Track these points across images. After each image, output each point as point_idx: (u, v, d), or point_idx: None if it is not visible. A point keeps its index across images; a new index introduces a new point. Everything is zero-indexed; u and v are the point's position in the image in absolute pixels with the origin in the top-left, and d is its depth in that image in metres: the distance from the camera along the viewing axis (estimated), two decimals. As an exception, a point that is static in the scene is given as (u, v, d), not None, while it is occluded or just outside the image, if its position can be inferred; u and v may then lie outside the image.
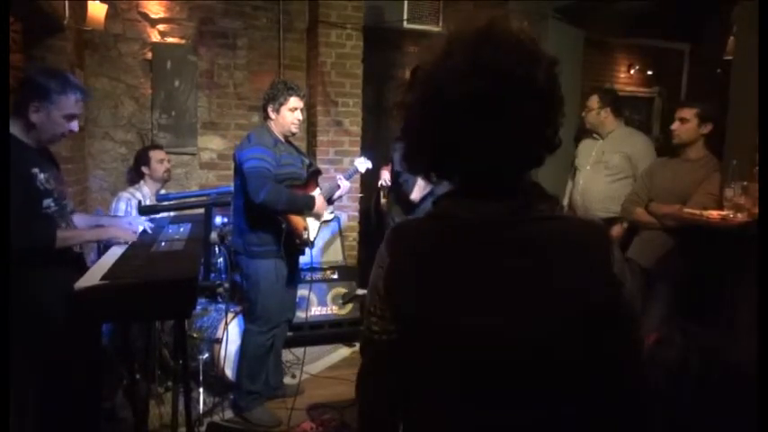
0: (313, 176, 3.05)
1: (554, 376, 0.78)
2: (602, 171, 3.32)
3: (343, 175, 3.24)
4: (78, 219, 2.40)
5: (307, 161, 3.11)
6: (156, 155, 3.59)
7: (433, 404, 0.86)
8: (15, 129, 2.02)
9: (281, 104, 2.85)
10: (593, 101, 3.41)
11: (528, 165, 0.85)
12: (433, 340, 0.83)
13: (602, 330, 0.78)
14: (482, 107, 0.78)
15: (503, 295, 0.79)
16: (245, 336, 3.00)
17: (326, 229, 4.18)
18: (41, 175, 2.05)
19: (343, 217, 4.41)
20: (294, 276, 3.13)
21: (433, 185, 2.99)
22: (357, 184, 4.23)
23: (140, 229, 2.33)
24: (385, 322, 0.88)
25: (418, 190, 3.03)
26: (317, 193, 3.00)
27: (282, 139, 2.92)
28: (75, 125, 2.11)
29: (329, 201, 3.11)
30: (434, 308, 0.82)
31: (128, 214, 3.30)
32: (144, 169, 3.58)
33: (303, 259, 3.16)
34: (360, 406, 0.97)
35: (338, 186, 3.16)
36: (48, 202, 2.08)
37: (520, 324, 0.78)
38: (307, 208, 2.89)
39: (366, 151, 4.20)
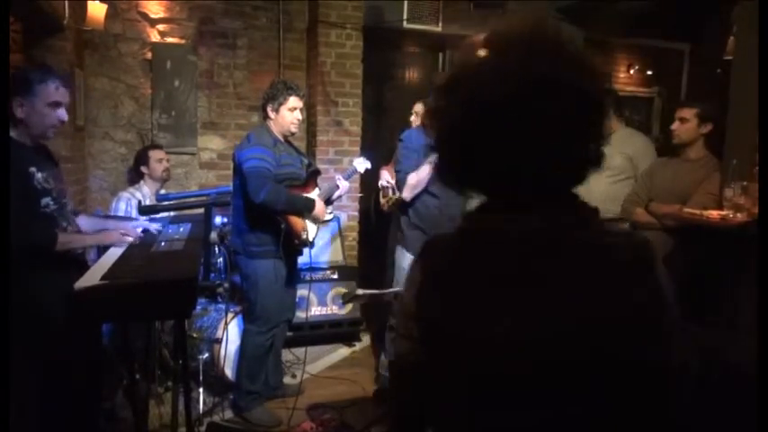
0: (312, 177, 3.04)
1: (566, 387, 0.75)
2: (604, 172, 3.30)
3: (342, 176, 3.24)
4: (83, 220, 2.40)
5: (306, 161, 3.10)
6: (154, 154, 3.60)
7: (449, 416, 0.85)
8: (10, 129, 2.02)
9: (281, 104, 2.85)
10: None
11: (567, 177, 0.81)
12: (453, 352, 0.81)
13: (639, 340, 0.74)
14: (518, 115, 0.75)
15: (529, 306, 0.76)
16: (244, 336, 3.00)
17: (326, 229, 4.17)
18: (39, 174, 2.05)
19: (343, 217, 4.40)
20: (293, 276, 3.13)
21: (426, 185, 3.01)
22: (357, 184, 4.22)
23: (140, 230, 2.34)
24: (412, 342, 0.86)
25: (408, 189, 3.06)
26: (315, 194, 3.00)
27: (282, 139, 2.92)
28: (62, 113, 2.09)
29: (328, 201, 3.10)
30: (460, 319, 0.79)
31: (128, 214, 3.30)
32: (143, 169, 3.58)
33: (302, 259, 3.16)
34: (390, 421, 0.98)
35: (337, 187, 3.15)
36: (46, 200, 2.07)
37: (542, 335, 0.75)
38: (306, 210, 2.89)
39: (366, 151, 4.19)
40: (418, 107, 3.74)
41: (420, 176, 2.98)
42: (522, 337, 0.75)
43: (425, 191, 3.03)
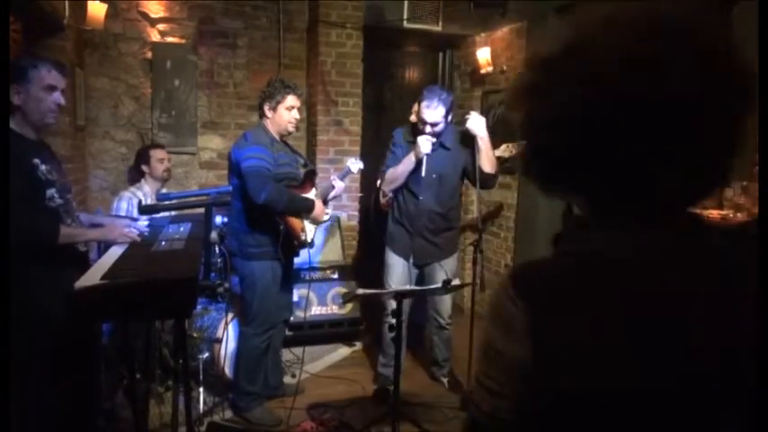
0: (309, 177, 3.04)
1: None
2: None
3: (337, 176, 3.24)
4: (81, 217, 2.40)
5: (302, 161, 3.10)
6: (156, 154, 3.59)
7: None
8: (11, 122, 2.02)
9: (279, 103, 2.84)
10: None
11: (693, 191, 0.69)
12: (586, 406, 0.64)
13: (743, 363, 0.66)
14: (646, 108, 0.62)
15: (670, 337, 0.63)
16: (241, 339, 2.99)
17: (326, 229, 4.17)
18: (43, 166, 2.06)
19: (343, 216, 4.41)
20: (290, 277, 3.12)
21: (405, 181, 3.06)
22: (357, 184, 4.23)
23: (135, 233, 2.33)
24: (513, 399, 0.67)
25: (385, 183, 3.16)
26: (313, 194, 2.99)
27: (278, 139, 2.91)
28: (58, 96, 2.10)
29: (324, 201, 3.10)
30: (589, 363, 0.63)
31: (129, 213, 3.30)
32: (144, 168, 3.58)
33: (302, 259, 3.16)
34: None
35: (333, 187, 3.15)
36: (51, 192, 2.07)
37: (689, 372, 0.64)
38: (306, 210, 2.88)
39: (366, 150, 4.19)
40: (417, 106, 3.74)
41: (397, 172, 3.05)
42: (670, 376, 0.63)
43: (406, 188, 3.08)
